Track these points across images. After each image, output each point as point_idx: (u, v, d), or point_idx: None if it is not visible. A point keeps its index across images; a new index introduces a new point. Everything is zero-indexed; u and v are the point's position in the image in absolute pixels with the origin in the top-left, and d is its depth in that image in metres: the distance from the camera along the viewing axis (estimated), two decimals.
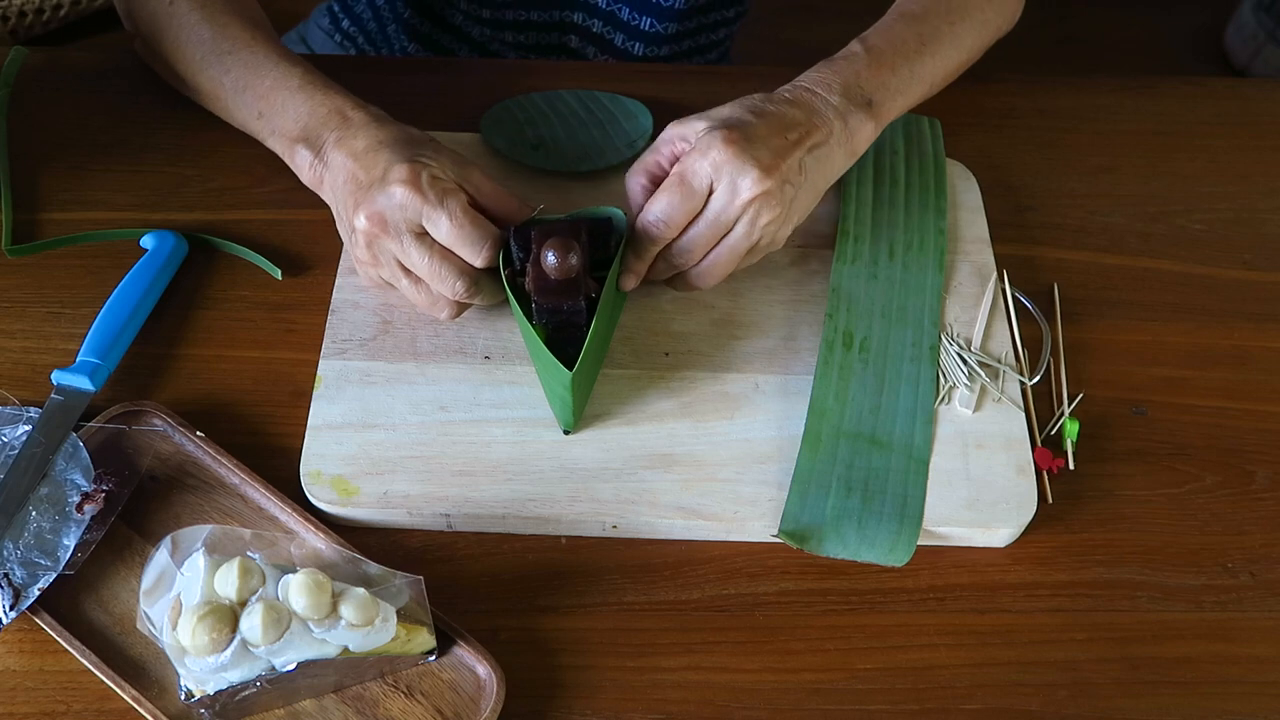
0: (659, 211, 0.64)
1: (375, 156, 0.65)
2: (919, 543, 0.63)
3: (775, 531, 0.62)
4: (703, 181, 0.64)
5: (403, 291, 0.66)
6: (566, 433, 0.65)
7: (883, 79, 0.71)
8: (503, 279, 0.64)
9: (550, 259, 0.62)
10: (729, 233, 0.66)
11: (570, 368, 0.61)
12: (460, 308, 0.66)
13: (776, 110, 0.67)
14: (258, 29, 0.75)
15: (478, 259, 0.63)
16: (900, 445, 0.66)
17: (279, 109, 0.71)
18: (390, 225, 0.63)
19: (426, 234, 0.63)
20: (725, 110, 0.67)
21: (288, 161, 0.72)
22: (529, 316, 0.64)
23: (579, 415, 0.65)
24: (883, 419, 0.67)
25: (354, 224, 0.64)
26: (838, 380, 0.69)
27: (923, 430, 0.67)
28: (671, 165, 0.67)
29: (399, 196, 0.62)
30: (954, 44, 0.77)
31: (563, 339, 0.63)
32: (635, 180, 0.68)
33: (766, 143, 0.65)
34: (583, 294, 0.63)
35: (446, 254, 0.64)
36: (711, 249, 0.66)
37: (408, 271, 0.65)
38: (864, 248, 0.76)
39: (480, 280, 0.65)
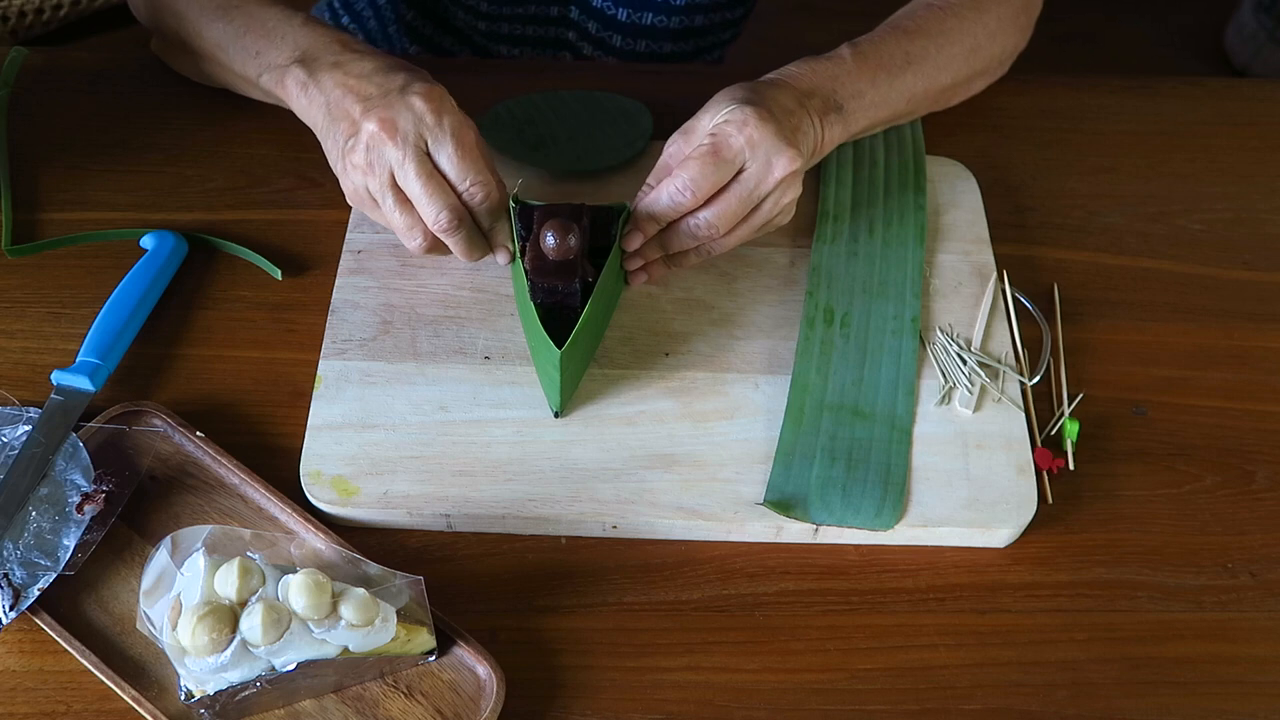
0: (687, 180, 0.64)
1: (391, 75, 0.66)
2: (919, 543, 0.64)
3: (760, 500, 0.62)
4: (737, 156, 0.64)
5: (384, 211, 0.66)
6: (556, 415, 0.66)
7: (860, 88, 0.72)
8: (512, 236, 0.66)
9: (549, 239, 0.63)
10: (756, 208, 0.66)
11: (561, 348, 0.61)
12: (435, 243, 0.66)
13: (777, 94, 0.68)
14: None
15: (466, 192, 0.64)
16: (883, 416, 0.67)
17: (278, 43, 0.72)
18: (400, 132, 0.63)
19: (428, 155, 0.64)
20: (726, 97, 0.67)
21: (276, 91, 0.72)
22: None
23: (567, 397, 0.65)
24: (865, 391, 0.68)
25: (362, 126, 0.64)
26: (819, 355, 0.69)
27: (905, 401, 0.67)
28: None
29: (419, 107, 0.63)
30: (941, 67, 0.77)
31: (556, 320, 0.63)
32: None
33: (791, 121, 0.66)
34: (579, 277, 0.64)
35: (441, 180, 0.64)
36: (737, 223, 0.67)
37: (396, 189, 0.65)
38: (843, 226, 0.76)
39: (463, 219, 0.65)
